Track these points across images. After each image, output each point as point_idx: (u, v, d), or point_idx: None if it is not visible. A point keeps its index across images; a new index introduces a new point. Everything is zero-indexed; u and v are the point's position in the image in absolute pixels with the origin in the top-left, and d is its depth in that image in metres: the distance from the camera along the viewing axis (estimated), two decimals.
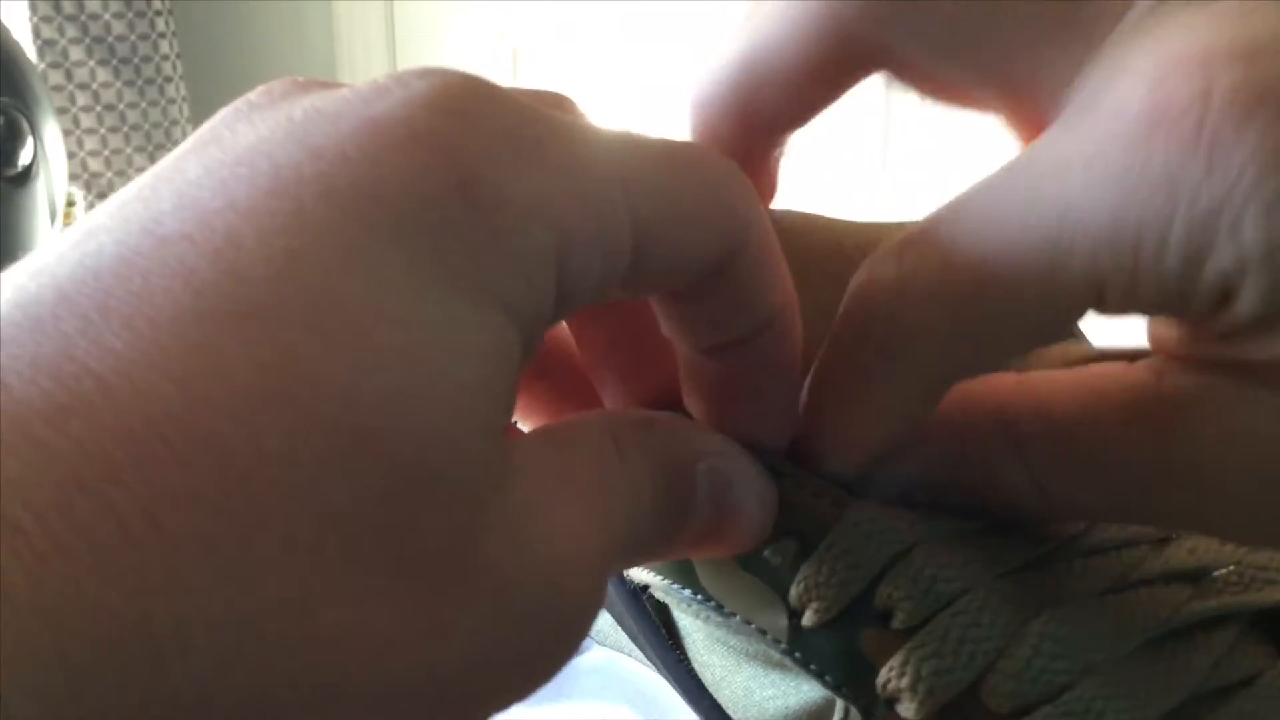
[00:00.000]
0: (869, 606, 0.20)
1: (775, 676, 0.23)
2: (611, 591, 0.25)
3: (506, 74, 2.06)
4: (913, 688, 0.19)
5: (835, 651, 0.21)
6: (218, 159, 0.15)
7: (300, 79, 0.17)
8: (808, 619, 0.21)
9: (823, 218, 0.23)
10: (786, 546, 0.21)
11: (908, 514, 0.21)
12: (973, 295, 0.17)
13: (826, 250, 0.22)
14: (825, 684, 0.21)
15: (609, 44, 2.06)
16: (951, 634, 0.19)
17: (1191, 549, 0.21)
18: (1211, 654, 0.20)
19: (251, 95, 0.16)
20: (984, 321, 0.18)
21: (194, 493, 0.12)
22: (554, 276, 0.15)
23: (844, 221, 0.23)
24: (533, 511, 0.15)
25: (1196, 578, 0.21)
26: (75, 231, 0.15)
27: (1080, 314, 0.18)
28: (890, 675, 0.20)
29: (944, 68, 0.19)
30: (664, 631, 0.24)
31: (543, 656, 0.15)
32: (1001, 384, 0.20)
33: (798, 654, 0.21)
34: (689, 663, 0.24)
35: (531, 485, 0.15)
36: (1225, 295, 0.17)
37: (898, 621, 0.20)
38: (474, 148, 0.15)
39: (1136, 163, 0.16)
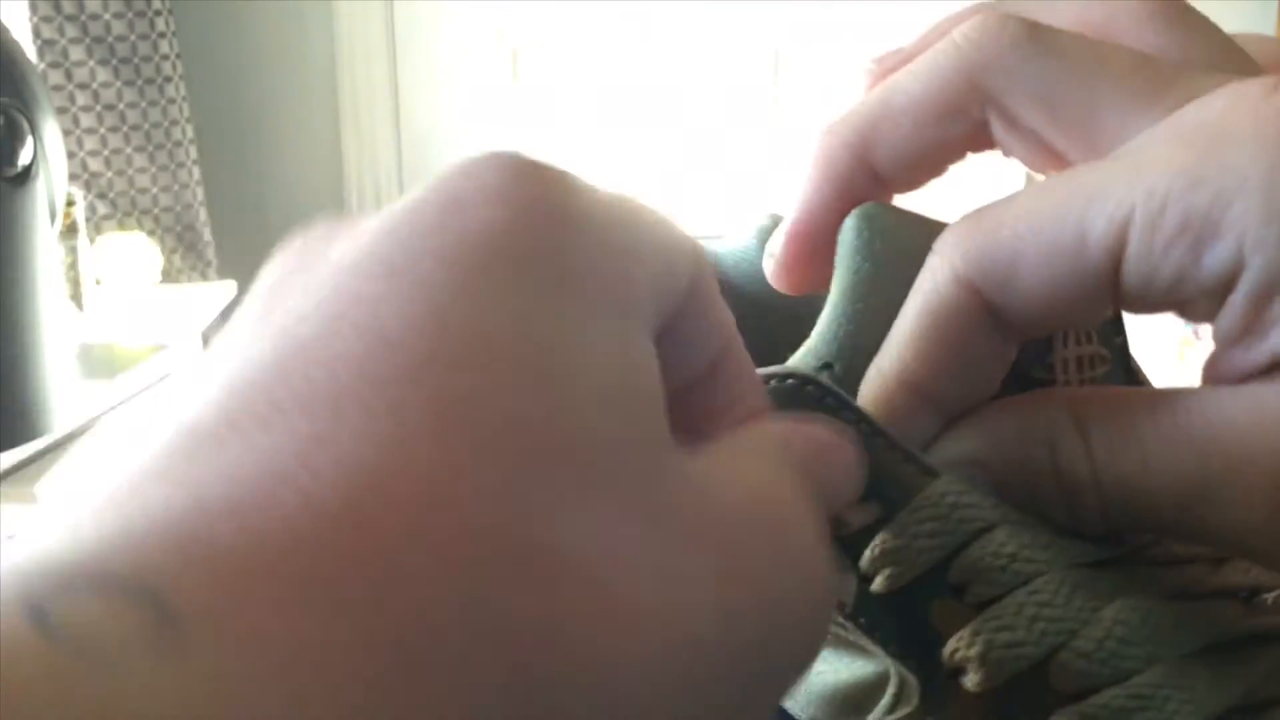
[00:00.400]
0: (943, 577, 0.21)
1: (825, 652, 0.23)
2: None
3: (506, 74, 2.06)
4: (981, 659, 0.20)
5: (903, 619, 0.21)
6: (310, 282, 0.15)
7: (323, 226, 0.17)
8: (878, 584, 0.21)
9: (914, 213, 0.24)
10: (867, 510, 0.21)
11: (992, 495, 0.21)
12: (1015, 253, 0.21)
13: (921, 242, 0.22)
14: (887, 652, 0.21)
15: (609, 45, 2.06)
16: (1025, 610, 0.20)
17: (1245, 569, 0.22)
18: (1262, 667, 0.21)
19: (288, 248, 0.16)
20: (1025, 273, 0.21)
21: None
22: (654, 309, 0.16)
23: (934, 219, 0.24)
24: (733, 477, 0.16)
25: (1248, 597, 0.22)
26: (195, 374, 0.14)
27: (1104, 290, 0.20)
28: (959, 645, 0.20)
29: (1044, 121, 0.22)
30: None
31: (795, 622, 0.16)
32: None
33: (862, 619, 0.21)
34: None
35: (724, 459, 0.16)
36: (1225, 284, 0.19)
37: (971, 595, 0.20)
38: (572, 203, 0.16)
39: (1147, 156, 0.20)
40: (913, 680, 0.21)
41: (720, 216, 2.08)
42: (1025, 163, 0.23)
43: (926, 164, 0.24)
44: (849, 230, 0.23)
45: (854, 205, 0.23)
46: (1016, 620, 0.20)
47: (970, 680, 0.20)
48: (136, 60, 1.77)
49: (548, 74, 2.07)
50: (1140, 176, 0.19)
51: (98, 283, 1.55)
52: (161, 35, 1.79)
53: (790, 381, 0.22)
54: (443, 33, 2.05)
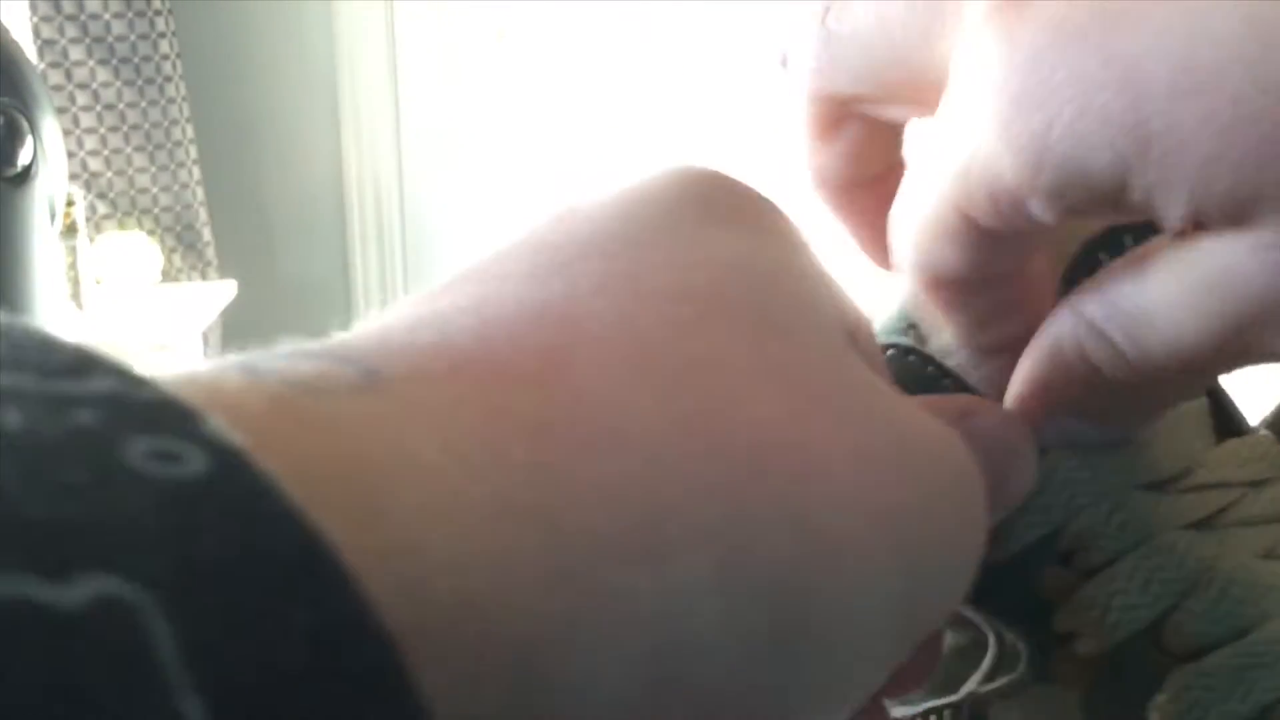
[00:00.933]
0: (1051, 546, 0.21)
1: None
2: None
3: (506, 74, 2.06)
4: (1098, 623, 0.20)
5: (1010, 587, 0.21)
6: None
7: None
8: (986, 556, 0.21)
9: None
10: None
11: (1104, 461, 0.21)
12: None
13: None
14: (996, 621, 0.22)
15: (608, 45, 2.06)
16: (1139, 573, 0.20)
17: None
18: None
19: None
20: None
21: None
22: None
23: None
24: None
25: None
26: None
27: (1115, 198, 0.19)
28: (1075, 609, 0.20)
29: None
30: None
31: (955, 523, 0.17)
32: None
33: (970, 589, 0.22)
34: None
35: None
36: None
37: (1080, 561, 0.21)
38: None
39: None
40: (1019, 647, 0.21)
41: None
42: None
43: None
44: None
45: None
46: (1130, 584, 0.20)
47: (1084, 645, 0.20)
48: (136, 60, 1.77)
49: (548, 74, 2.07)
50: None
51: (98, 283, 1.55)
52: (161, 35, 1.79)
53: (891, 352, 0.22)
54: (443, 33, 2.05)
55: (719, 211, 0.17)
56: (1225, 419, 0.24)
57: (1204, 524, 0.22)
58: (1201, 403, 0.23)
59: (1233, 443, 0.23)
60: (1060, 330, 0.20)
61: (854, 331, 0.18)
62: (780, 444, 0.14)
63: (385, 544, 0.10)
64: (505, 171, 2.10)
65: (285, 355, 0.13)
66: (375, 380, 0.13)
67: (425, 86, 2.07)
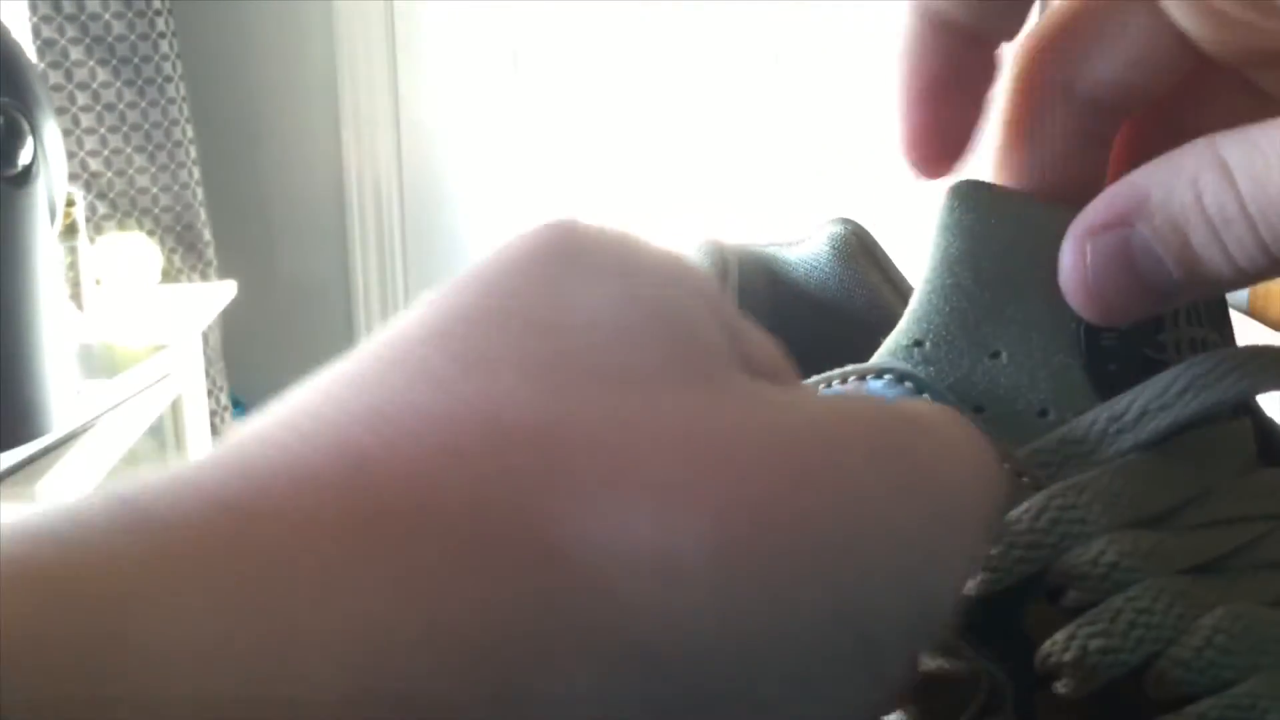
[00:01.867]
0: (1039, 581, 0.20)
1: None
2: None
3: (507, 74, 2.06)
4: (1076, 664, 0.20)
5: (995, 621, 0.21)
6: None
7: None
8: (971, 588, 0.21)
9: (1009, 189, 0.24)
10: None
11: (1106, 491, 0.21)
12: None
13: (1014, 218, 0.23)
14: (978, 655, 0.21)
15: (609, 45, 2.06)
16: (1123, 616, 0.20)
17: None
18: None
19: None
20: None
21: None
22: None
23: (1028, 195, 0.24)
24: None
25: None
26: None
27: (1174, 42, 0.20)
28: (1053, 650, 0.20)
29: None
30: None
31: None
32: None
33: (955, 620, 0.21)
34: None
35: None
36: None
37: (1068, 599, 0.20)
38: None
39: None
40: (1004, 684, 0.21)
41: (720, 214, 2.08)
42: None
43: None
44: (942, 207, 0.23)
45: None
46: (1113, 627, 0.20)
47: (1064, 686, 0.20)
48: (136, 60, 1.76)
49: (547, 75, 2.07)
50: None
51: (98, 283, 1.55)
52: (161, 35, 1.79)
53: (887, 376, 0.22)
54: (443, 33, 2.05)
55: (580, 265, 0.17)
56: (1270, 447, 0.23)
57: (1211, 566, 0.21)
58: (1243, 424, 0.22)
59: (1268, 472, 0.22)
60: (1182, 165, 0.20)
61: (753, 359, 0.17)
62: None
63: None
64: (505, 171, 2.10)
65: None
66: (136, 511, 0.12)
67: (425, 86, 2.07)
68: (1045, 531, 0.20)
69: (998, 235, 0.23)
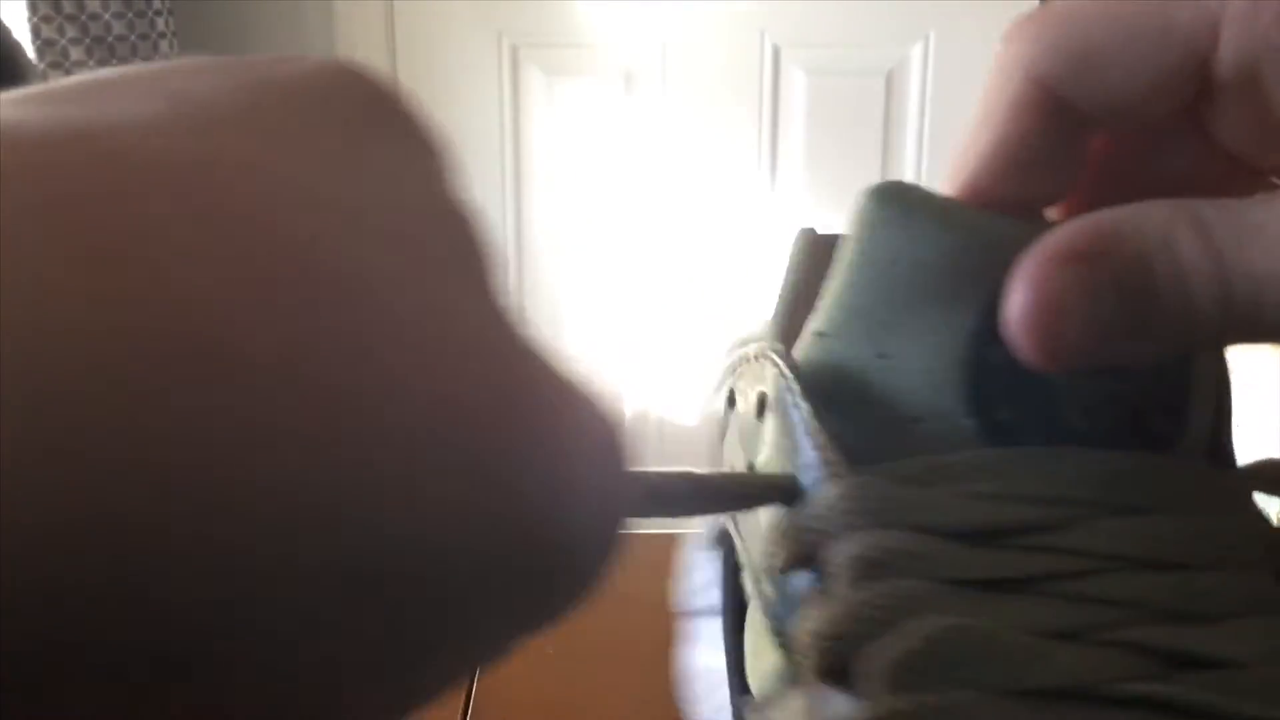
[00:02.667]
0: (813, 565, 0.21)
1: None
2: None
3: (507, 74, 2.06)
4: (801, 643, 0.21)
5: (786, 600, 0.22)
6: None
7: None
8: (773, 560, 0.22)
9: (930, 191, 0.24)
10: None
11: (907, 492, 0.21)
12: (1089, 40, 0.20)
13: (934, 219, 0.23)
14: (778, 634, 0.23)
15: (607, 45, 2.06)
16: (846, 607, 0.20)
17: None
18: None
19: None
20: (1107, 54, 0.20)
21: None
22: None
23: (951, 199, 0.24)
24: None
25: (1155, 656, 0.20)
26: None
27: (1190, 79, 0.19)
28: (794, 628, 0.21)
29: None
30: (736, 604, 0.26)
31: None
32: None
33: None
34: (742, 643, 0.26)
35: None
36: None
37: (824, 583, 0.21)
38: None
39: None
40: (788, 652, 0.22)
41: (719, 212, 2.08)
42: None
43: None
44: (860, 205, 0.23)
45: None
46: (834, 614, 0.20)
47: (800, 660, 0.21)
48: (137, 60, 1.77)
49: (547, 75, 2.07)
50: None
51: None
52: (161, 35, 1.79)
53: (757, 356, 0.24)
54: (443, 33, 2.05)
55: (367, 123, 0.16)
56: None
57: (1001, 585, 0.20)
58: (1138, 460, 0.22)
59: (1137, 521, 0.21)
60: (1155, 212, 0.19)
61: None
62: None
63: None
64: (504, 171, 2.10)
65: None
66: None
67: (425, 86, 2.07)
68: (826, 518, 0.21)
69: (906, 238, 0.22)
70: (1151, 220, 0.19)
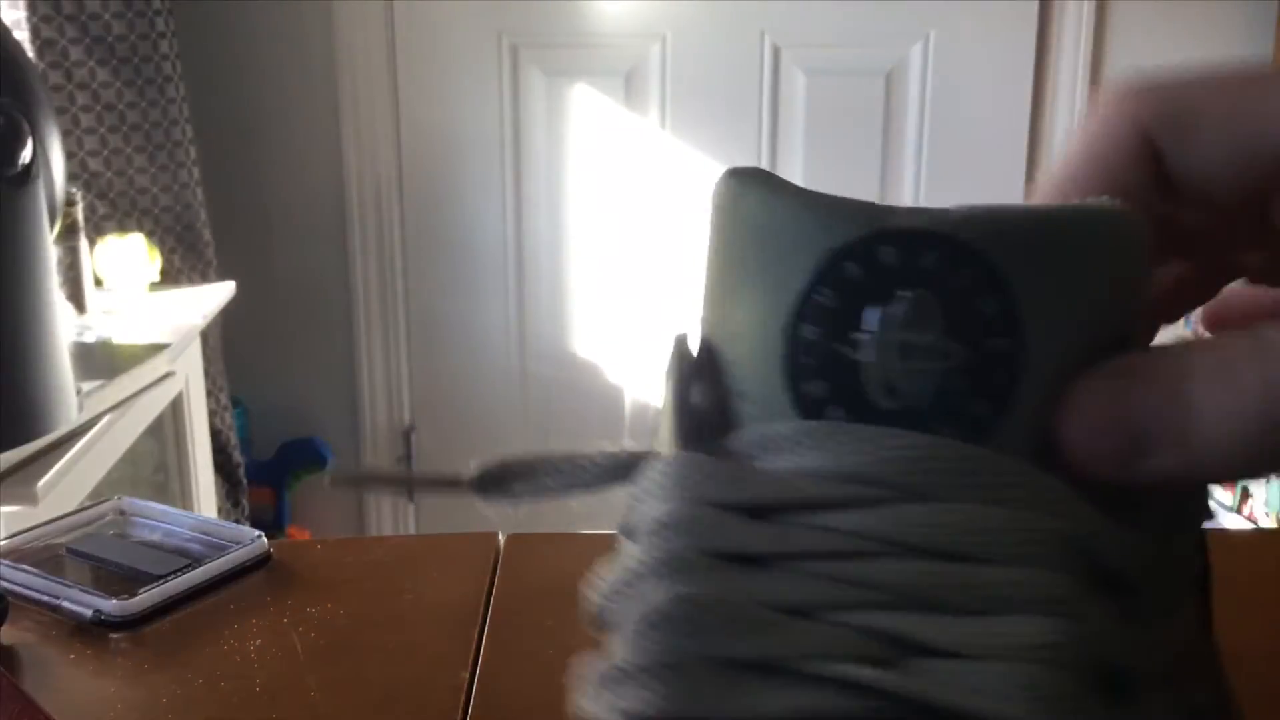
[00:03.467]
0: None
1: None
2: None
3: (507, 74, 2.06)
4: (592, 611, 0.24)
5: None
6: None
7: None
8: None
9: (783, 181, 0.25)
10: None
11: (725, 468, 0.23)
12: (1198, 106, 0.21)
13: (782, 213, 0.24)
14: None
15: (607, 45, 2.06)
16: (614, 569, 0.23)
17: None
18: None
19: None
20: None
21: None
22: None
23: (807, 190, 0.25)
24: None
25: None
26: None
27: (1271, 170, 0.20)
28: None
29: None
30: None
31: None
32: None
33: None
34: None
35: None
36: None
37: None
38: None
39: None
40: None
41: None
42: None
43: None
44: (717, 188, 0.24)
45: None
46: (603, 578, 0.23)
47: None
48: (136, 60, 1.76)
49: (546, 75, 2.07)
50: None
51: (98, 283, 1.55)
52: (161, 35, 1.79)
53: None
54: (443, 33, 2.05)
55: None
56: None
57: (761, 560, 0.21)
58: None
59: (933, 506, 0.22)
60: (1234, 345, 0.19)
61: None
62: None
63: None
64: (504, 172, 2.10)
65: None
66: None
67: (425, 86, 2.07)
68: (641, 490, 0.23)
69: (747, 209, 0.23)
70: (1224, 355, 0.20)
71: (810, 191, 0.23)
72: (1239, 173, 0.20)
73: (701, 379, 0.24)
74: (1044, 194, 0.23)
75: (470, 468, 0.24)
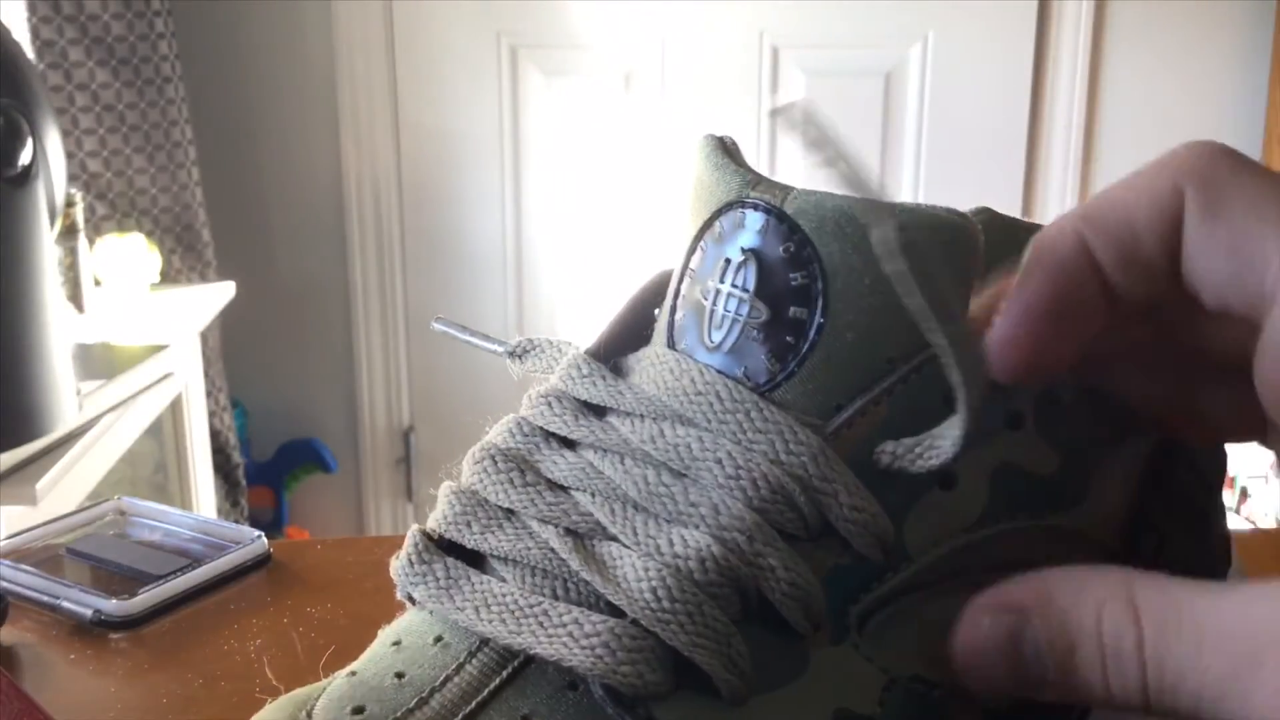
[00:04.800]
0: None
1: None
2: None
3: (506, 74, 2.06)
4: None
5: None
6: None
7: None
8: None
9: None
10: None
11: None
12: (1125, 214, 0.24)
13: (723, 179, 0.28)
14: None
15: (607, 45, 2.06)
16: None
17: None
18: None
19: None
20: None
21: None
22: None
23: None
24: None
25: None
26: None
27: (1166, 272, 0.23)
28: None
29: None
30: None
31: None
32: None
33: None
34: None
35: None
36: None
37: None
38: None
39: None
40: None
41: None
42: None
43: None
44: (696, 151, 0.29)
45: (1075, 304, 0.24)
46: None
47: None
48: (136, 60, 1.76)
49: (546, 75, 2.07)
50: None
51: (97, 284, 1.55)
52: (161, 35, 1.79)
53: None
54: (442, 33, 2.05)
55: None
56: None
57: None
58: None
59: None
60: (1095, 584, 0.22)
61: None
62: None
63: None
64: (504, 172, 2.10)
65: None
66: None
67: (425, 86, 2.07)
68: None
69: (696, 175, 0.28)
70: (1087, 591, 0.22)
71: (737, 161, 0.28)
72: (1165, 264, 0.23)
73: (648, 303, 0.30)
74: (1004, 322, 0.25)
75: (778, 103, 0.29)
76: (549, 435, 0.28)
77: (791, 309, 0.25)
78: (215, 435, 1.82)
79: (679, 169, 2.07)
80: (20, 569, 0.48)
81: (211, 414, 1.80)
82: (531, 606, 0.24)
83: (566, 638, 0.24)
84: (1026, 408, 0.26)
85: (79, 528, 0.54)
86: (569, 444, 0.27)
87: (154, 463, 1.58)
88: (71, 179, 1.69)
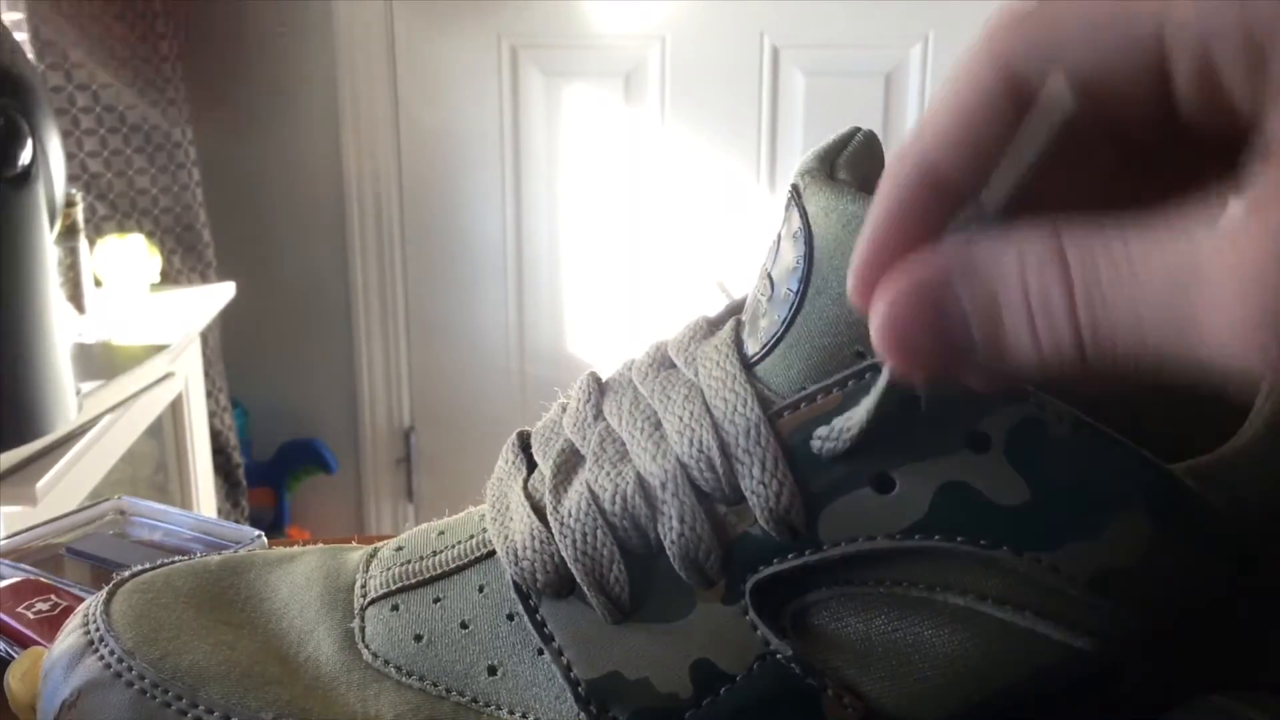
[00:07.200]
0: None
1: None
2: None
3: (507, 74, 2.06)
4: None
5: None
6: None
7: None
8: None
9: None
10: None
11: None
12: (1057, 29, 0.20)
13: None
14: None
15: (607, 46, 2.06)
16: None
17: None
18: None
19: None
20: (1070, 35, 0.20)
21: None
22: None
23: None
24: None
25: None
26: None
27: (1154, 70, 0.19)
28: None
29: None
30: None
31: None
32: None
33: None
34: None
35: None
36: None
37: None
38: None
39: None
40: None
41: (718, 212, 2.08)
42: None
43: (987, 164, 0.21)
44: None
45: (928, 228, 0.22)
46: None
47: None
48: (136, 60, 1.76)
49: (547, 75, 2.07)
50: None
51: (98, 284, 1.55)
52: (161, 36, 1.79)
53: None
54: (443, 33, 2.05)
55: None
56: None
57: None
58: None
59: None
60: (1019, 244, 0.19)
61: None
62: None
63: None
64: (504, 172, 2.10)
65: None
66: None
67: (425, 86, 2.07)
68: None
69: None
70: (1008, 240, 0.19)
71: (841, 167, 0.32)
72: (1127, 68, 0.19)
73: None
74: (909, 145, 0.22)
75: None
76: (643, 375, 0.31)
77: (786, 288, 0.28)
78: (215, 435, 1.82)
79: (679, 168, 2.07)
80: (20, 569, 0.48)
81: (212, 414, 1.80)
82: (501, 499, 0.30)
83: (505, 527, 0.29)
84: (995, 432, 0.25)
85: (79, 527, 0.54)
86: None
87: (154, 463, 1.58)
88: (71, 179, 1.69)
